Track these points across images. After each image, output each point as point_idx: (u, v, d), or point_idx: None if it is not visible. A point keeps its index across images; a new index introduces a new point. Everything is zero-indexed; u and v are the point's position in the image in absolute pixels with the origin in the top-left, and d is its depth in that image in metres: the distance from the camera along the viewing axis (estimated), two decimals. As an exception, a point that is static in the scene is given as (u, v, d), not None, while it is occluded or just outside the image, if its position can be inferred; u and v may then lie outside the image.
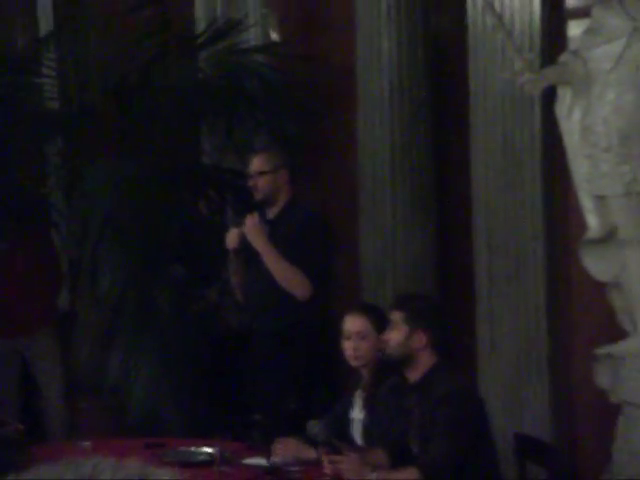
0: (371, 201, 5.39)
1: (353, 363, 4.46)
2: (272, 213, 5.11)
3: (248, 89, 5.68)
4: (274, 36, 6.03)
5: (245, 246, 5.03)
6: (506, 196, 4.92)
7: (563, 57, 4.58)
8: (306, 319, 4.96)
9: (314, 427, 4.25)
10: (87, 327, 5.58)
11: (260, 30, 6.11)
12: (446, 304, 5.34)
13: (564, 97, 4.61)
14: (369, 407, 4.38)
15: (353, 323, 4.44)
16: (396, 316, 4.15)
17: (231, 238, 5.08)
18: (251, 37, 6.04)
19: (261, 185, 5.06)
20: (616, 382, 4.36)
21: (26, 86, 5.80)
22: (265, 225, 5.04)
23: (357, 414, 4.44)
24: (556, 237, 4.87)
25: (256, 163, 5.10)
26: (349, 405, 4.48)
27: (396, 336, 4.12)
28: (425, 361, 4.10)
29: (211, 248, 5.44)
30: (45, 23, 6.25)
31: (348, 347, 4.44)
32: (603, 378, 4.42)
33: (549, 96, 4.70)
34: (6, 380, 5.91)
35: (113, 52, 5.73)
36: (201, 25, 6.02)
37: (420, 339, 4.09)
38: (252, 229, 4.99)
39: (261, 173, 5.07)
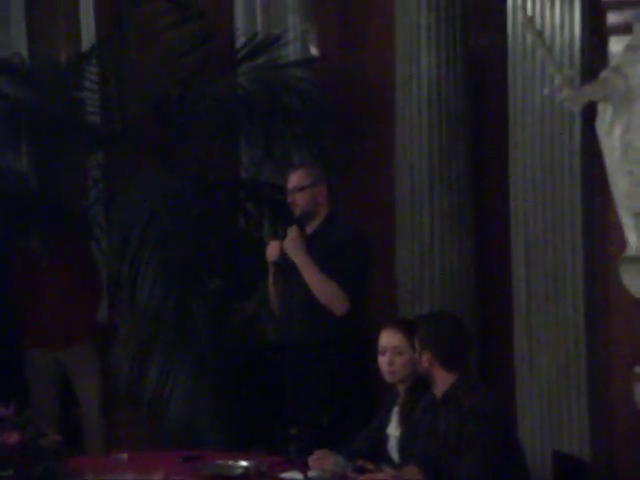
0: (409, 216, 5.39)
1: (388, 379, 4.46)
2: (311, 228, 5.12)
3: (287, 104, 5.70)
4: (313, 51, 6.05)
5: (284, 259, 5.04)
6: (545, 212, 4.91)
7: (604, 73, 4.57)
8: (343, 334, 4.96)
9: (339, 464, 4.24)
10: (126, 340, 5.61)
11: (300, 45, 6.13)
12: (484, 319, 5.33)
13: (604, 113, 4.60)
14: (405, 424, 4.37)
15: (389, 338, 4.46)
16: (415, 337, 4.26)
17: (271, 250, 5.10)
18: (290, 52, 6.07)
19: (300, 201, 5.08)
20: (656, 401, 4.33)
21: (68, 100, 5.86)
22: (304, 239, 5.04)
23: (393, 430, 4.44)
24: (595, 254, 4.85)
25: (294, 179, 5.11)
26: (386, 421, 4.48)
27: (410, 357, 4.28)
28: (443, 379, 4.18)
29: (249, 261, 5.46)
30: (88, 38, 6.31)
31: (383, 362, 4.45)
32: (643, 397, 4.40)
33: (589, 112, 4.69)
34: (45, 391, 5.96)
35: (154, 67, 5.79)
36: (241, 40, 6.06)
37: (426, 359, 4.18)
38: (291, 242, 5.00)
39: (300, 189, 5.08)
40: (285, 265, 5.06)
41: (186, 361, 5.33)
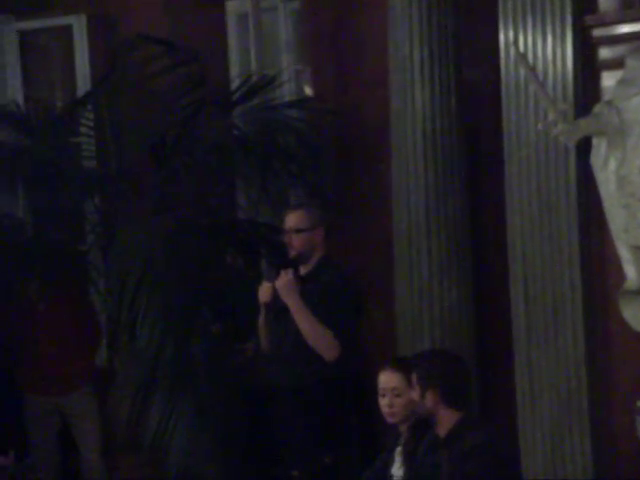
0: (407, 252, 5.38)
1: (389, 420, 4.45)
2: (305, 270, 5.11)
3: (282, 144, 5.72)
4: (308, 91, 6.08)
5: (277, 301, 5.03)
6: (543, 246, 4.91)
7: (597, 108, 4.59)
8: (333, 378, 4.92)
9: None
10: (125, 384, 5.59)
11: (294, 86, 6.17)
12: (484, 355, 5.32)
13: (599, 147, 4.62)
14: (408, 463, 4.35)
15: (387, 380, 4.44)
16: (413, 377, 4.25)
17: (264, 292, 5.08)
18: (285, 92, 6.10)
19: (297, 242, 5.07)
20: (659, 435, 4.31)
21: (64, 146, 5.88)
22: (298, 282, 5.03)
23: (397, 470, 4.42)
24: (594, 287, 4.84)
25: (293, 220, 5.11)
26: (389, 461, 4.46)
27: (410, 397, 4.26)
28: (447, 417, 4.16)
29: (247, 302, 5.44)
30: (83, 84, 6.33)
31: (383, 405, 4.44)
32: (645, 431, 4.38)
33: (584, 146, 4.71)
34: (44, 438, 5.94)
35: (149, 110, 5.81)
36: (236, 82, 6.08)
37: (430, 399, 4.15)
38: (285, 285, 4.99)
39: (297, 231, 5.08)
40: (277, 307, 5.04)
41: (186, 404, 5.31)
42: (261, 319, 5.14)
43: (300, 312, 4.95)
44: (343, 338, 4.93)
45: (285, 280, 4.99)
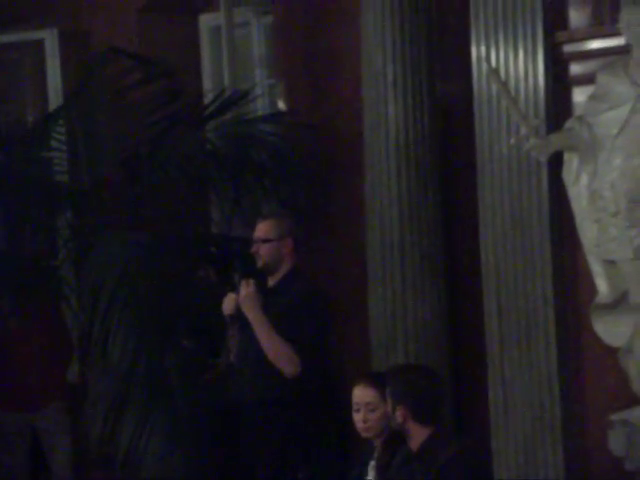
0: (380, 266, 5.39)
1: (364, 435, 4.44)
2: (272, 281, 5.07)
3: (256, 158, 5.71)
4: (281, 105, 6.08)
5: (240, 312, 4.98)
6: (515, 260, 4.93)
7: (569, 123, 4.62)
8: (296, 394, 4.88)
9: None
10: (98, 399, 5.56)
11: (267, 100, 6.17)
12: (457, 369, 5.33)
13: (571, 162, 4.64)
14: (382, 477, 4.35)
15: (361, 395, 4.44)
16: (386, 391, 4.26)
17: (227, 303, 5.04)
18: (258, 107, 6.10)
19: (264, 252, 5.02)
20: (631, 449, 4.33)
21: (36, 160, 5.85)
22: (262, 294, 4.98)
23: (371, 484, 4.42)
24: (566, 302, 4.86)
25: (261, 229, 5.07)
26: (364, 474, 4.45)
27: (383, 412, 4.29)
28: (417, 432, 4.18)
29: (220, 316, 5.43)
30: (55, 98, 6.31)
31: (358, 419, 4.43)
32: (618, 445, 4.39)
33: (556, 161, 4.73)
34: (16, 455, 5.89)
35: (122, 125, 5.79)
36: (209, 96, 6.07)
37: (400, 414, 4.18)
38: (246, 298, 4.94)
39: (265, 240, 5.04)
40: (242, 319, 4.99)
41: (159, 420, 5.28)
42: (228, 331, 5.10)
43: (260, 326, 4.90)
44: (306, 354, 4.88)
45: (246, 292, 4.94)
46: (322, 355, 5.00)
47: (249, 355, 4.98)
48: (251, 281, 4.96)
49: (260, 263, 5.05)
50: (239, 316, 5.00)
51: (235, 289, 5.08)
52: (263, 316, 4.92)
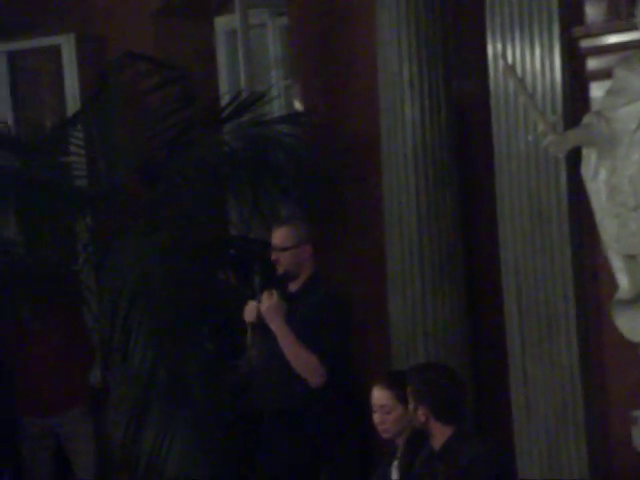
0: (399, 267, 5.38)
1: (383, 435, 4.45)
2: (293, 287, 5.07)
3: (273, 159, 5.72)
4: (298, 106, 6.08)
5: (262, 320, 4.96)
6: (535, 258, 4.91)
7: (587, 118, 4.60)
8: (320, 401, 4.87)
9: None
10: (119, 403, 5.57)
11: (284, 101, 6.18)
12: (479, 368, 5.31)
13: (589, 158, 4.62)
14: (405, 477, 4.34)
15: (377, 397, 4.45)
16: (408, 391, 4.26)
17: (249, 312, 5.02)
18: (275, 108, 6.11)
19: (284, 260, 5.02)
20: (655, 444, 4.30)
21: (55, 165, 5.88)
22: (285, 301, 4.96)
23: (394, 484, 4.41)
24: (587, 298, 4.84)
25: (279, 237, 5.06)
26: (387, 475, 4.45)
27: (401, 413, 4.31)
28: (439, 431, 4.19)
29: (240, 318, 5.43)
30: (73, 103, 6.33)
31: (376, 421, 4.44)
32: (641, 441, 4.37)
33: (574, 157, 4.71)
34: (39, 460, 5.91)
35: (139, 128, 5.81)
36: (225, 98, 6.08)
37: (422, 414, 4.18)
38: (269, 309, 4.93)
39: (283, 249, 5.03)
40: (264, 327, 4.97)
41: (181, 422, 5.29)
42: (249, 338, 5.07)
43: (284, 337, 4.89)
44: (330, 361, 4.87)
45: (269, 304, 4.92)
46: (346, 362, 5.00)
47: (273, 364, 4.97)
48: (274, 291, 4.95)
49: (280, 271, 5.04)
50: (260, 324, 4.99)
51: (255, 294, 5.08)
52: (287, 327, 4.91)
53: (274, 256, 5.06)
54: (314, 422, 4.87)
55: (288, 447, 4.91)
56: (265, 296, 4.96)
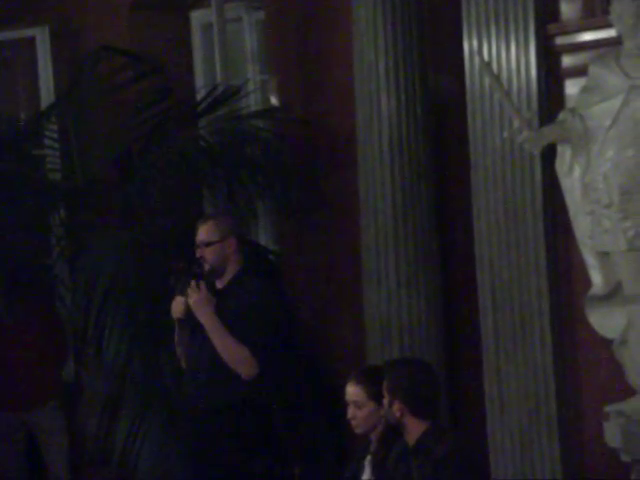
0: (375, 261, 5.38)
1: (355, 431, 4.45)
2: (222, 282, 4.97)
3: (249, 154, 5.71)
4: (274, 101, 6.07)
5: (191, 316, 4.87)
6: (510, 254, 4.92)
7: (561, 115, 4.62)
8: (256, 395, 4.82)
9: None
10: (93, 398, 5.56)
11: (260, 96, 6.16)
12: (453, 363, 5.32)
13: (564, 155, 4.64)
14: (378, 472, 4.35)
15: (349, 393, 4.45)
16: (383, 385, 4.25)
17: (176, 307, 4.92)
18: (251, 103, 6.09)
19: (208, 256, 4.91)
20: (626, 440, 4.33)
21: (28, 158, 5.84)
22: (213, 296, 4.87)
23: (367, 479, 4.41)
24: (561, 294, 4.86)
25: (202, 233, 4.95)
26: (360, 470, 4.45)
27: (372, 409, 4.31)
28: (414, 427, 4.19)
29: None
30: (47, 96, 6.30)
31: (348, 415, 4.44)
32: (613, 436, 4.39)
33: (549, 154, 4.73)
34: (11, 455, 5.89)
35: (114, 122, 5.78)
36: (201, 93, 6.06)
37: (397, 409, 4.18)
38: (198, 303, 4.83)
39: (207, 244, 4.91)
40: (192, 323, 4.88)
41: (155, 417, 5.28)
42: (176, 336, 4.96)
43: (215, 330, 4.80)
44: (262, 354, 4.79)
45: (197, 297, 4.84)
46: (279, 353, 4.90)
47: (203, 359, 4.88)
48: (202, 284, 4.85)
49: (206, 268, 4.92)
50: (189, 320, 4.89)
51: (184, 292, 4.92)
52: (217, 318, 4.82)
53: (199, 253, 4.94)
54: (246, 419, 4.80)
55: (228, 444, 4.82)
56: (192, 290, 4.86)
